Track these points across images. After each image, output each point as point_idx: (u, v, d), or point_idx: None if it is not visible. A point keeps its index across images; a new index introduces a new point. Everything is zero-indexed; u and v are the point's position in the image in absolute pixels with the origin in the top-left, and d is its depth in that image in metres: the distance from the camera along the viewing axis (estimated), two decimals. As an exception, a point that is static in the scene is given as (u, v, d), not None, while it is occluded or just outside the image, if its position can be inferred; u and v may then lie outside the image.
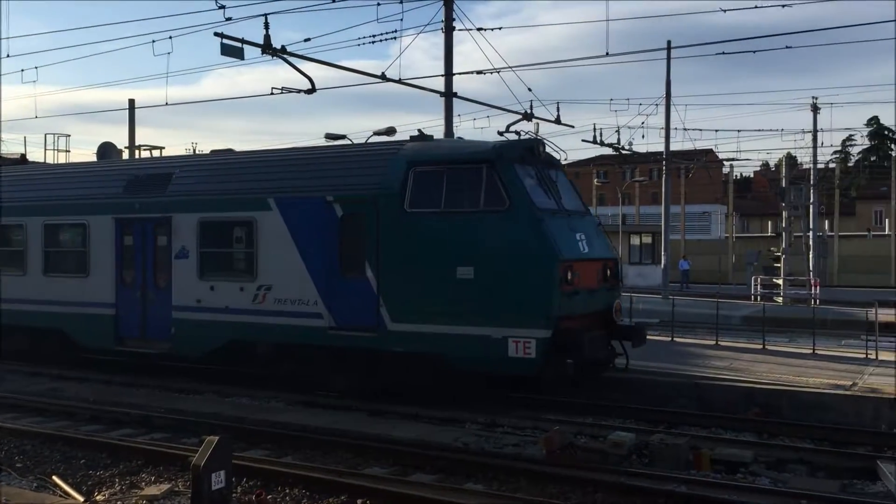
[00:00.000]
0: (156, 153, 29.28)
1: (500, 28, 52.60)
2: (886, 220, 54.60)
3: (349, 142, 17.22)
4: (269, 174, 14.39)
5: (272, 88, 18.27)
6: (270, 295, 13.76)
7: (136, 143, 30.72)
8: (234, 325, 14.15)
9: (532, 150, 12.90)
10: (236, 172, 14.87)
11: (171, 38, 17.85)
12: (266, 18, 16.29)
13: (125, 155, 28.24)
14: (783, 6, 14.89)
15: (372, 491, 8.55)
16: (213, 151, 17.35)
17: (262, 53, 16.61)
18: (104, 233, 15.79)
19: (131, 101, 31.06)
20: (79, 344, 16.32)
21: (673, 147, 32.70)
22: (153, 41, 18.10)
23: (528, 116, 23.24)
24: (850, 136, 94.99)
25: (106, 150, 24.61)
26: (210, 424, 11.44)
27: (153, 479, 9.25)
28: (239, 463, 8.90)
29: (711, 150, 53.61)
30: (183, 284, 14.71)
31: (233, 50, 16.16)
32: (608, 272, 13.26)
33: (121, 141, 45.44)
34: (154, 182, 15.57)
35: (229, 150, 17.10)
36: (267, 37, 16.61)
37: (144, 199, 15.42)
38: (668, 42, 32.25)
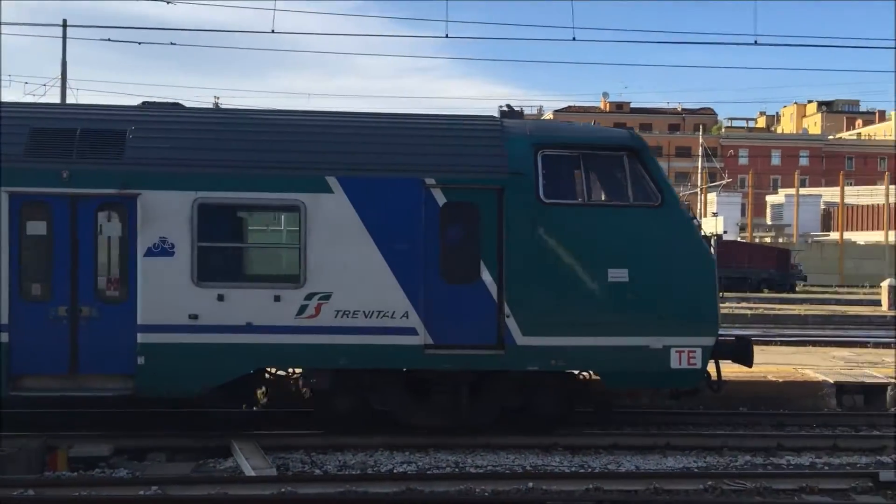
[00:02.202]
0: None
1: None
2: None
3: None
4: (326, 143, 10.79)
5: None
6: (328, 306, 10.36)
7: None
8: (262, 349, 10.40)
9: None
10: (269, 137, 10.80)
11: None
12: None
13: None
14: (168, 3, 15.21)
15: None
16: (145, 104, 11.80)
17: None
18: None
19: None
20: None
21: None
22: None
23: None
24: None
25: None
26: None
27: None
28: None
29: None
30: (161, 294, 10.30)
31: None
32: None
33: None
34: (96, 140, 10.55)
35: (177, 105, 11.94)
36: None
37: (79, 166, 10.35)
38: (64, 21, 30.55)
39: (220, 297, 10.36)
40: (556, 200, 10.75)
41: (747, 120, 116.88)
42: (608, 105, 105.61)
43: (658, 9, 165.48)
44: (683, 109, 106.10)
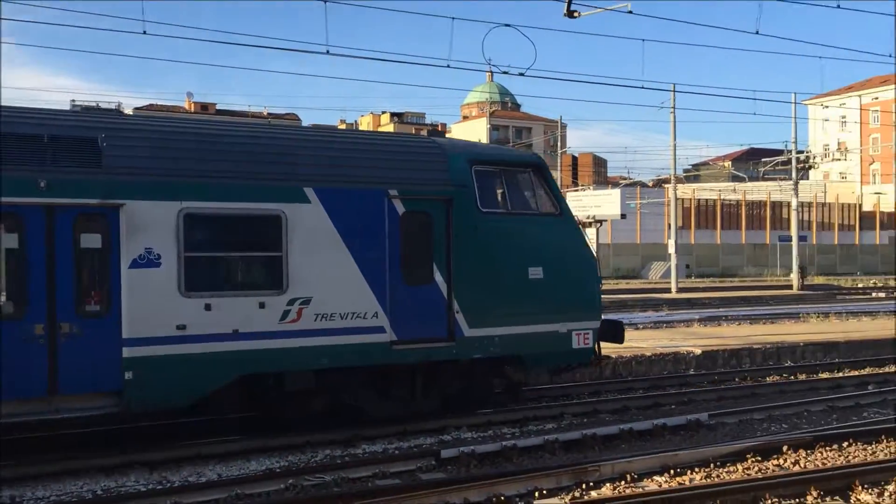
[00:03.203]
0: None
1: None
2: None
3: None
4: (304, 157, 11.22)
5: None
6: (308, 310, 10.84)
7: None
8: (248, 355, 10.49)
9: None
10: (251, 148, 10.96)
11: None
12: None
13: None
14: None
15: None
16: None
17: None
18: None
19: None
20: None
21: None
22: None
23: None
24: None
25: None
26: None
27: None
28: None
29: None
30: (148, 305, 9.98)
31: None
32: None
33: None
34: (69, 147, 9.81)
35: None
36: None
37: (57, 175, 9.62)
38: None
39: (208, 307, 10.36)
40: (490, 210, 12.37)
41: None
42: (193, 105, 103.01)
43: (239, 12, 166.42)
44: (269, 114, 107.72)
